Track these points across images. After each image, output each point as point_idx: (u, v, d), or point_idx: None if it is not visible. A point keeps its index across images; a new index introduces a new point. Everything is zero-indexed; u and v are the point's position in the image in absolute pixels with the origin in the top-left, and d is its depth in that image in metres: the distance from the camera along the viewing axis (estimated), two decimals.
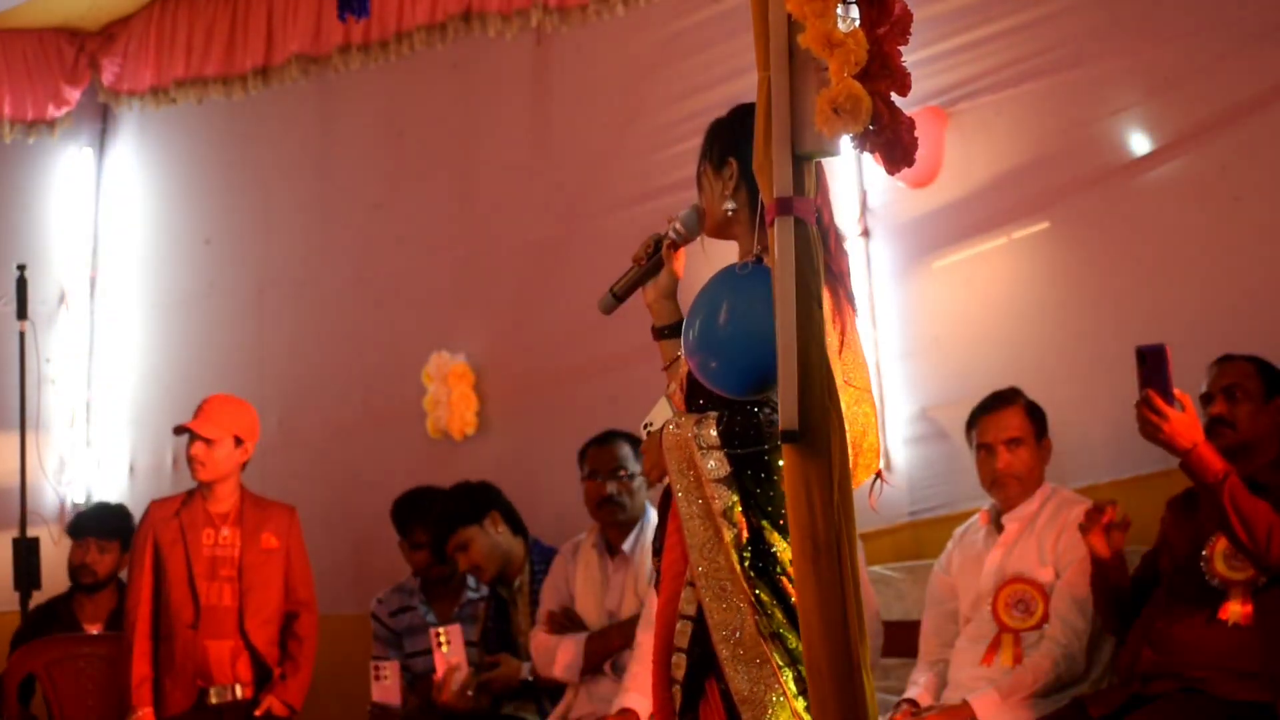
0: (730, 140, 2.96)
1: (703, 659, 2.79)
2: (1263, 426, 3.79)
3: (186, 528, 5.03)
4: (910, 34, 2.46)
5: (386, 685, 5.07)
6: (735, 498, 2.76)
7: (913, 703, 4.11)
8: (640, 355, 5.26)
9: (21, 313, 5.98)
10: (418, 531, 5.35)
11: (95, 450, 6.90)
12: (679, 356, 3.01)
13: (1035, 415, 4.21)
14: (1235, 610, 3.66)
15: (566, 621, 4.77)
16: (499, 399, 5.90)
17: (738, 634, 2.73)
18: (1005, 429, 4.17)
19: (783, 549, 2.75)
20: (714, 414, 2.79)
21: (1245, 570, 3.65)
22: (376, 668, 5.12)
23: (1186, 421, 3.57)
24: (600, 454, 4.83)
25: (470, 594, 5.30)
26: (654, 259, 3.05)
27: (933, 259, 4.88)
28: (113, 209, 7.03)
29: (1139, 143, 4.50)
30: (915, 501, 4.85)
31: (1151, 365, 3.59)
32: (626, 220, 5.58)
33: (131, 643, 4.93)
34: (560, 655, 4.68)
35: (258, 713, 4.97)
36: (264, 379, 6.22)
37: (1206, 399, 3.83)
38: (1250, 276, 4.31)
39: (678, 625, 2.83)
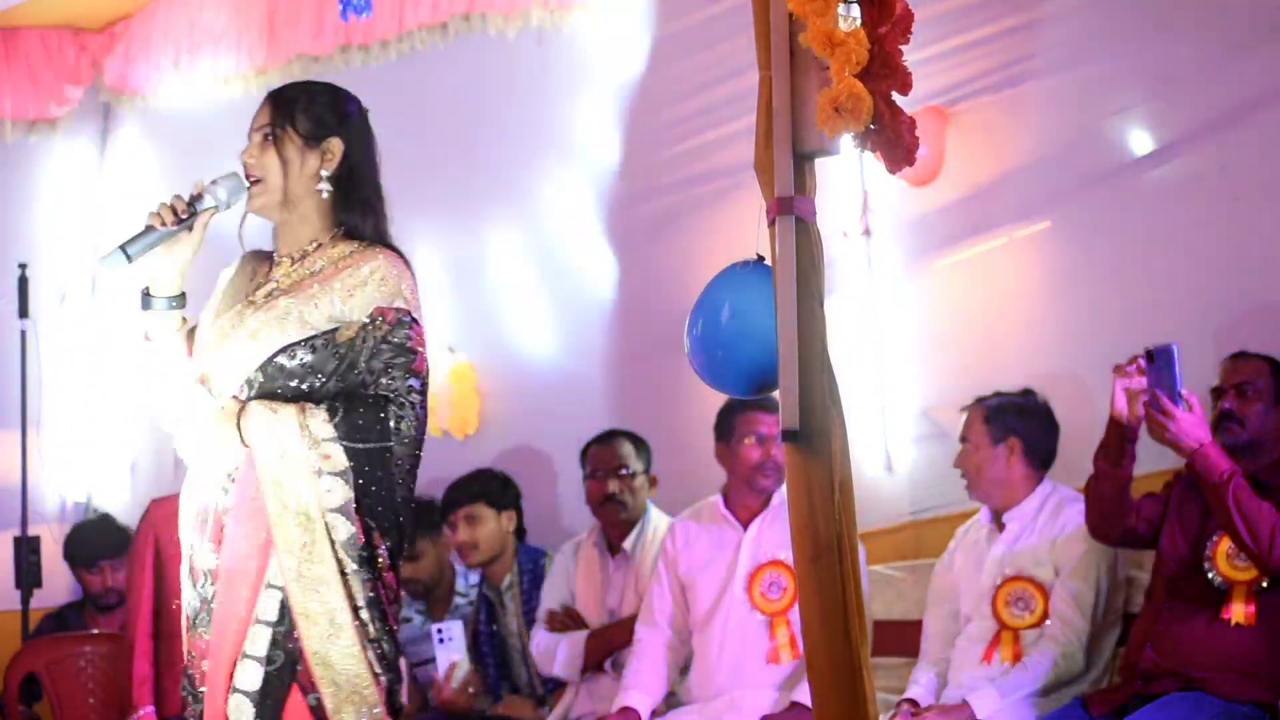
0: (334, 121, 2.87)
1: (286, 665, 2.65)
2: (1271, 426, 3.79)
3: None
4: (912, 33, 2.47)
5: None
6: (351, 494, 2.64)
7: (913, 702, 4.11)
8: (642, 354, 5.31)
9: (23, 311, 5.98)
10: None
11: (96, 450, 6.90)
12: (182, 328, 2.85)
13: (996, 419, 4.19)
14: (1238, 610, 3.65)
15: (567, 620, 4.78)
16: (500, 398, 5.90)
17: (334, 636, 2.61)
18: (964, 427, 4.22)
19: (382, 553, 2.66)
20: (322, 405, 2.67)
21: (1248, 570, 3.65)
22: None
23: (1193, 421, 3.58)
24: (601, 453, 4.83)
25: (458, 598, 5.30)
26: (185, 224, 2.81)
27: (934, 258, 4.88)
28: (114, 208, 7.02)
29: (1140, 142, 4.50)
30: (916, 501, 4.85)
31: (1160, 365, 3.60)
32: (627, 219, 5.58)
33: (133, 642, 4.93)
34: (560, 653, 4.68)
35: None
36: None
37: (1217, 393, 3.83)
38: (1252, 276, 4.30)
39: (251, 629, 2.66)
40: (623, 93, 5.70)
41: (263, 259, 2.98)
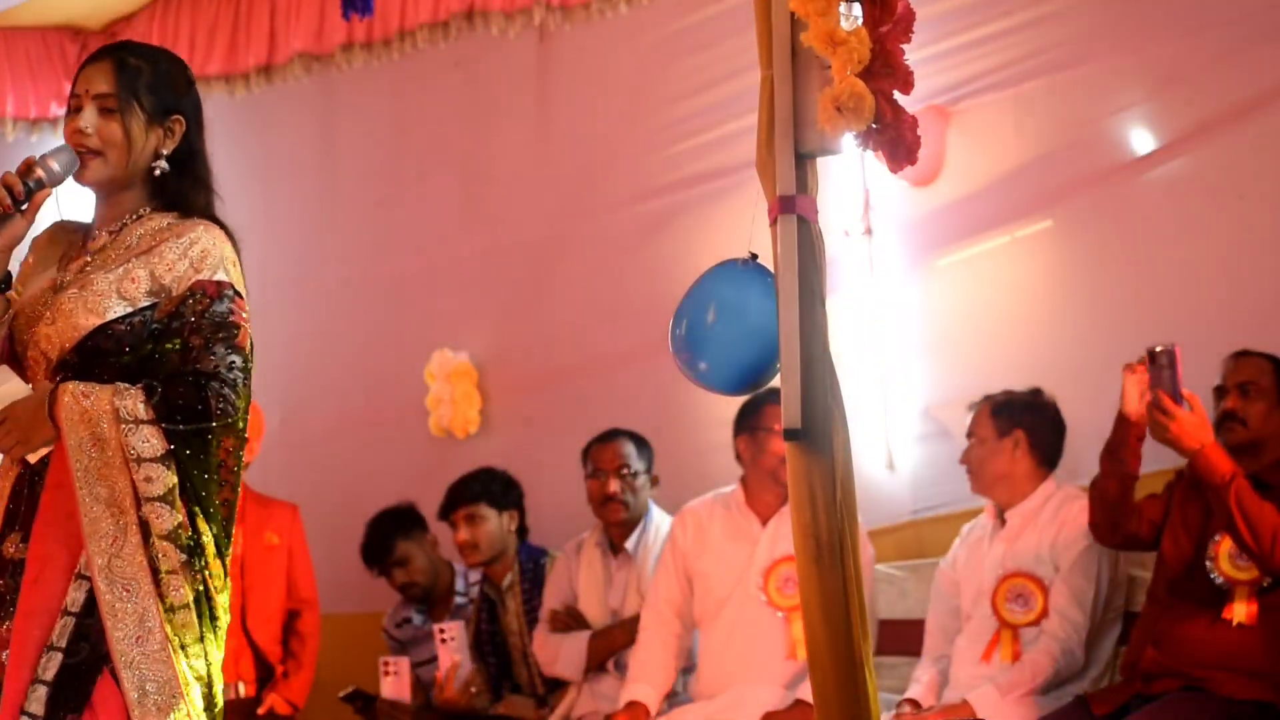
0: (176, 97, 2.75)
1: (92, 658, 2.51)
2: (1273, 425, 3.79)
3: None
4: (913, 32, 2.47)
5: (396, 681, 5.07)
6: (175, 480, 2.51)
7: (914, 702, 4.11)
8: (644, 353, 5.30)
9: None
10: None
11: None
12: (5, 317, 2.72)
13: (1003, 413, 4.20)
14: (1240, 610, 3.65)
15: (570, 620, 4.77)
16: (502, 397, 5.90)
17: (143, 639, 2.49)
18: (971, 422, 4.23)
19: (209, 540, 2.55)
20: (136, 385, 2.54)
21: (1250, 570, 3.65)
22: (385, 663, 5.11)
23: (1195, 422, 3.59)
24: (603, 452, 4.83)
25: (459, 598, 5.30)
26: (19, 205, 2.69)
27: (936, 257, 4.88)
28: None
29: (1142, 141, 4.50)
30: (918, 500, 4.85)
31: (1161, 365, 3.61)
32: (629, 218, 5.58)
33: None
34: (563, 653, 4.68)
35: (260, 711, 4.97)
36: (265, 377, 6.18)
37: (1220, 392, 3.83)
38: (1254, 275, 4.31)
39: (59, 621, 2.52)
40: (622, 92, 5.71)
41: (76, 230, 2.85)
